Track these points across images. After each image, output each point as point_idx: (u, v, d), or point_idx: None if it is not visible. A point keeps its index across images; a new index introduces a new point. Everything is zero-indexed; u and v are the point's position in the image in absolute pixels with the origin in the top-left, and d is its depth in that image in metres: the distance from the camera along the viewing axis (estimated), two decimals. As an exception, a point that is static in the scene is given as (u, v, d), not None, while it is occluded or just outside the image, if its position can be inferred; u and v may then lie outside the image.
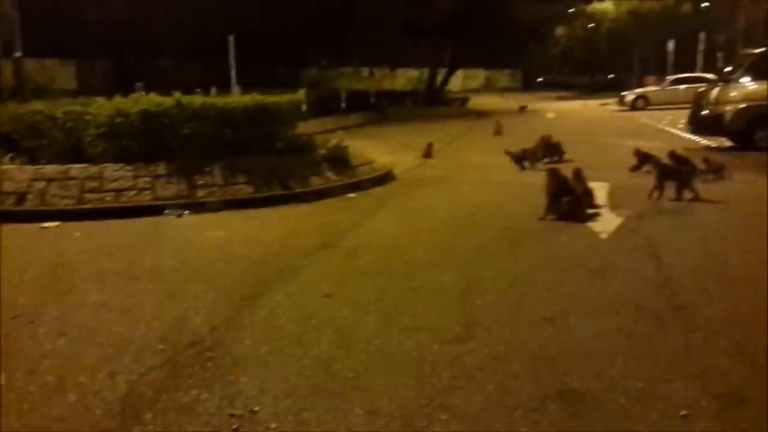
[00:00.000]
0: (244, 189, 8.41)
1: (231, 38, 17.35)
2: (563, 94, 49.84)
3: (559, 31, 53.71)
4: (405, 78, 46.97)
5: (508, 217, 7.44)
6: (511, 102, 40.16)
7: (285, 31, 29.36)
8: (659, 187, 7.92)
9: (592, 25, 55.14)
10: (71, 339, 3.98)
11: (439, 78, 37.74)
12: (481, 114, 28.39)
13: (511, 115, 25.95)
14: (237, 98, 10.13)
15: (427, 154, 13.24)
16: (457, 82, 49.70)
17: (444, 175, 10.79)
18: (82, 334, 4.05)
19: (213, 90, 16.90)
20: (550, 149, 11.94)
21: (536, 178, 10.08)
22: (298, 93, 10.96)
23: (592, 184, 7.96)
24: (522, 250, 5.98)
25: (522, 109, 28.44)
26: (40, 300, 4.72)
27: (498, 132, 17.95)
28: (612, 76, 55.12)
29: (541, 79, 62.91)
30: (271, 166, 8.92)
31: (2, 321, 4.27)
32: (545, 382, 3.33)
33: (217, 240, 6.54)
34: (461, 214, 7.66)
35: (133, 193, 8.10)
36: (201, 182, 8.41)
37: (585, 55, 57.39)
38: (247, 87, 13.37)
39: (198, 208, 7.96)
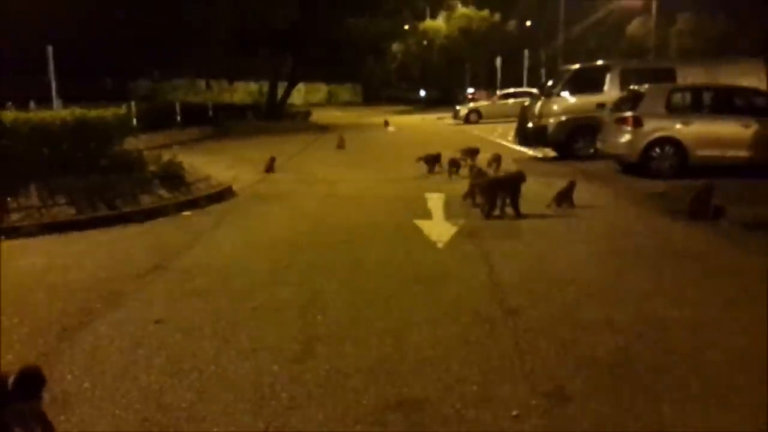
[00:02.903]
0: (65, 211, 7.75)
1: (49, 49, 16.09)
2: (402, 108, 51.58)
3: (396, 47, 55.56)
4: (245, 91, 46.29)
5: (349, 230, 7.47)
6: (353, 116, 40.89)
7: (111, 42, 27.71)
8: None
9: (426, 42, 57.61)
10: None
11: (280, 91, 37.49)
12: (324, 128, 28.55)
13: (352, 129, 26.35)
14: (55, 112, 9.35)
15: (270, 168, 13.02)
16: (299, 95, 49.81)
17: (286, 190, 10.67)
18: None
19: (31, 104, 15.55)
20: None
21: (379, 190, 10.34)
22: (124, 106, 10.35)
23: (428, 195, 8.23)
24: (362, 262, 6.02)
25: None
26: None
27: (341, 145, 18.13)
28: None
29: (417, 88, 63.87)
30: (95, 185, 8.28)
31: None
32: (385, 394, 3.35)
33: (33, 268, 5.94)
34: (303, 229, 7.59)
35: (-70, 219, 7.17)
36: (15, 205, 7.65)
37: (421, 71, 59.77)
38: (70, 101, 12.40)
39: (11, 233, 7.21)
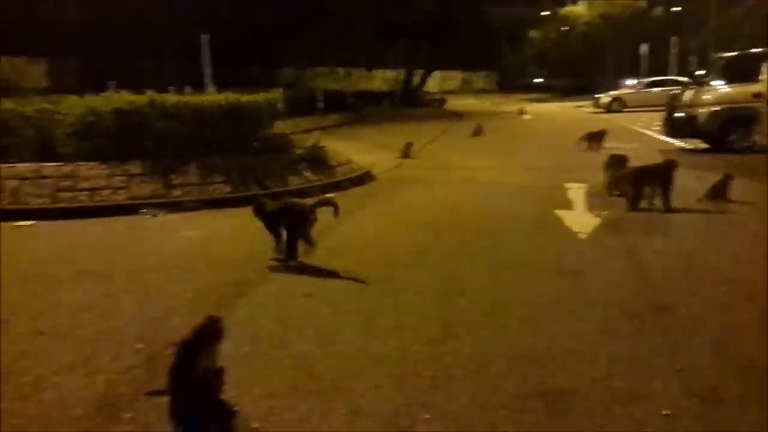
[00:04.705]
0: (221, 188, 8.33)
1: (205, 37, 17.18)
2: (539, 96, 50.26)
3: (534, 33, 54.17)
4: (382, 79, 46.97)
5: (487, 217, 7.46)
6: (488, 103, 40.41)
7: (260, 31, 29.14)
8: None
9: (566, 28, 55.69)
10: (48, 338, 3.91)
11: (416, 79, 37.81)
12: (458, 115, 28.49)
13: (487, 117, 26.06)
14: (211, 97, 10.03)
15: (406, 154, 13.23)
16: (434, 83, 49.83)
17: (423, 176, 10.80)
18: (59, 334, 3.98)
19: (188, 89, 16.75)
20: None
21: (517, 179, 10.21)
22: (274, 92, 10.91)
23: (569, 185, 8.02)
24: (501, 250, 6.00)
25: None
26: (16, 299, 4.63)
27: (477, 133, 18.02)
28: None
29: (540, 80, 62.13)
30: (248, 165, 8.84)
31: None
32: (527, 382, 3.33)
33: (194, 240, 6.46)
34: (440, 215, 7.66)
35: (107, 192, 7.98)
36: (177, 181, 8.32)
37: (559, 58, 57.88)
38: (222, 87, 13.24)
39: (174, 207, 7.86)
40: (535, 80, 61.77)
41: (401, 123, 23.38)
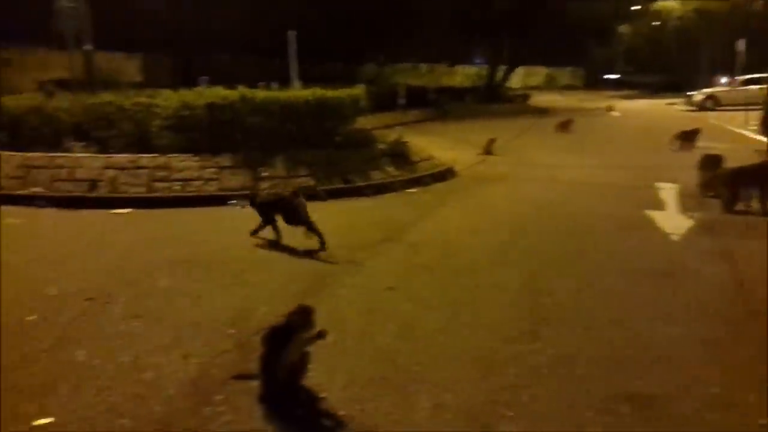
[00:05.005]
0: (305, 182, 8.48)
1: (292, 34, 17.50)
2: (627, 92, 48.50)
3: (623, 28, 52.30)
4: (464, 74, 46.56)
5: (572, 216, 7.28)
6: (573, 100, 39.36)
7: (343, 27, 29.45)
8: None
9: (658, 23, 53.48)
10: (144, 321, 4.11)
11: (499, 75, 37.21)
12: (542, 111, 27.89)
13: (573, 113, 25.35)
14: (299, 92, 10.22)
15: (488, 150, 13.07)
16: (518, 79, 48.90)
17: (505, 173, 10.65)
18: (154, 317, 4.18)
19: (274, 84, 17.12)
20: None
21: (605, 178, 9.92)
22: (357, 88, 11.00)
23: (660, 185, 7.72)
24: (587, 250, 5.84)
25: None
26: (113, 284, 4.89)
27: (561, 129, 17.59)
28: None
29: (613, 77, 60.11)
30: (331, 159, 8.99)
31: (78, 303, 4.45)
32: (615, 385, 3.25)
33: (281, 231, 6.59)
34: (523, 213, 7.54)
35: (199, 183, 8.30)
36: (264, 174, 8.54)
37: (650, 54, 55.63)
38: (306, 82, 13.47)
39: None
40: (610, 76, 59.63)
41: (483, 119, 23.10)
